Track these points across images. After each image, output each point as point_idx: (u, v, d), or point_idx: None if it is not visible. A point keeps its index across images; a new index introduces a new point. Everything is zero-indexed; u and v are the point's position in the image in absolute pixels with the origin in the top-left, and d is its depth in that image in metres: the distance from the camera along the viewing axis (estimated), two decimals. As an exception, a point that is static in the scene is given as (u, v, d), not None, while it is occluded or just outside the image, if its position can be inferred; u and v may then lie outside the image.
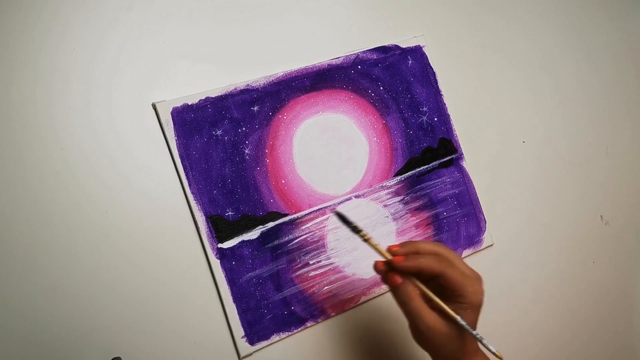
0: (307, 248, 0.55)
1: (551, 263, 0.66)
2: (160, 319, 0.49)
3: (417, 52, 0.61)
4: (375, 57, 0.59)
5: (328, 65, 0.57)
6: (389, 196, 0.58)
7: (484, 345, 0.42)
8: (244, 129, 0.53)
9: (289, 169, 0.55)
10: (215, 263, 0.51)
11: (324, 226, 0.56)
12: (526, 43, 0.68)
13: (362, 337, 0.56)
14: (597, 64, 0.72)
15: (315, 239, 0.55)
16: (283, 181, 0.54)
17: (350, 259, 0.56)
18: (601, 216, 0.70)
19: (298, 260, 0.54)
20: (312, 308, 0.54)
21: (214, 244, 0.51)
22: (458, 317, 0.42)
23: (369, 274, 0.56)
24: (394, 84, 0.60)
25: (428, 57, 0.62)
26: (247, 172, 0.53)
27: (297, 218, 0.55)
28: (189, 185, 0.51)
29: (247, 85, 0.54)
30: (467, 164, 0.62)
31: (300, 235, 0.55)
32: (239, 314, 0.51)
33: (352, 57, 0.58)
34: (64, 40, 0.49)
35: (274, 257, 0.53)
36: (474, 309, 0.43)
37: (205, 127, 0.52)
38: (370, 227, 0.57)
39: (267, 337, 0.52)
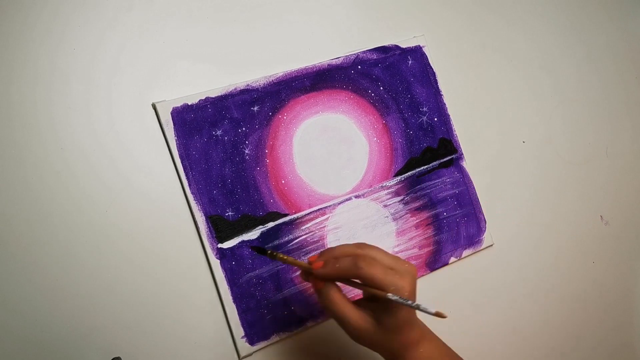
0: (307, 248, 0.55)
1: (551, 263, 0.66)
2: (160, 319, 0.49)
3: (417, 52, 0.61)
4: (375, 57, 0.59)
5: (328, 65, 0.57)
6: (389, 196, 0.58)
7: (422, 310, 0.41)
8: (244, 129, 0.53)
9: (289, 169, 0.55)
10: (215, 263, 0.51)
11: (324, 226, 0.56)
12: (526, 43, 0.68)
13: (362, 337, 0.56)
14: (597, 64, 0.72)
15: (315, 239, 0.55)
16: (283, 181, 0.54)
17: (350, 259, 0.56)
18: (601, 216, 0.70)
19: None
20: (312, 308, 0.54)
21: (214, 244, 0.51)
22: (389, 295, 0.41)
23: (369, 274, 0.56)
24: (394, 84, 0.60)
25: (428, 57, 0.62)
26: (247, 172, 0.53)
27: (297, 218, 0.55)
28: (189, 185, 0.51)
29: (247, 85, 0.54)
30: (467, 164, 0.62)
31: (300, 235, 0.55)
32: (239, 314, 0.51)
33: (352, 57, 0.58)
34: (64, 40, 0.49)
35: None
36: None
37: (205, 127, 0.52)
38: (370, 227, 0.57)
39: (267, 337, 0.52)
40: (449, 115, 0.62)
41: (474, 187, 0.62)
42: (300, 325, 0.53)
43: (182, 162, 0.51)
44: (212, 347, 0.51)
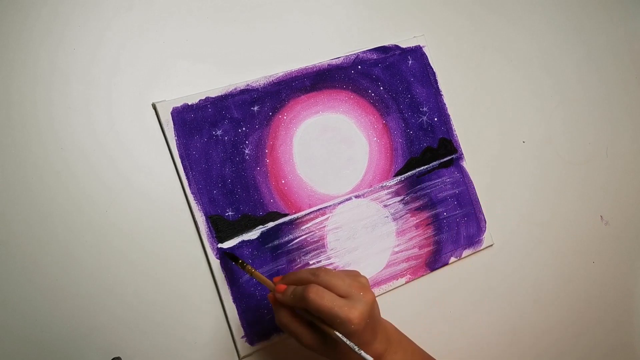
0: (307, 248, 0.55)
1: (551, 263, 0.66)
2: (160, 319, 0.49)
3: (417, 52, 0.61)
4: (375, 57, 0.59)
5: (328, 65, 0.57)
6: (389, 196, 0.58)
7: (360, 354, 0.41)
8: (244, 129, 0.53)
9: (289, 169, 0.55)
10: (215, 263, 0.51)
11: (324, 226, 0.56)
12: (526, 43, 0.68)
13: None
14: (597, 64, 0.72)
15: (315, 239, 0.55)
16: (283, 181, 0.54)
17: (350, 259, 0.56)
18: (601, 216, 0.70)
19: (298, 260, 0.54)
20: (312, 308, 0.54)
21: (214, 244, 0.51)
22: (334, 332, 0.42)
23: (368, 274, 0.57)
24: (394, 84, 0.60)
25: (428, 57, 0.62)
26: (247, 172, 0.53)
27: (297, 218, 0.55)
28: (189, 185, 0.51)
29: (247, 85, 0.54)
30: (467, 164, 0.62)
31: (300, 235, 0.55)
32: (239, 314, 0.51)
33: (352, 57, 0.58)
34: (64, 40, 0.49)
35: (274, 257, 0.53)
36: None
37: (205, 127, 0.52)
38: (370, 227, 0.57)
39: (267, 337, 0.52)
40: (449, 115, 0.62)
41: (474, 187, 0.62)
42: (300, 325, 0.53)
43: (182, 162, 0.51)
44: (212, 347, 0.51)
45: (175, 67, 0.52)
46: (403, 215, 0.59)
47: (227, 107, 0.53)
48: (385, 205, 0.58)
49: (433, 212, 0.60)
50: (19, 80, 0.47)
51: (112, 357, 0.47)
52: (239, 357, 0.51)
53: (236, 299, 0.51)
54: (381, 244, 0.57)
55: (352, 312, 0.41)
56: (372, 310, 0.43)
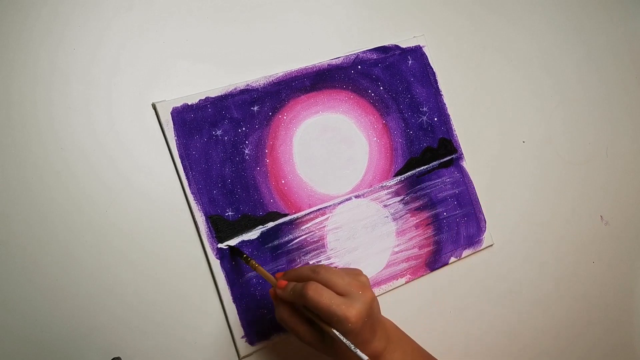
0: (307, 248, 0.55)
1: (551, 263, 0.66)
2: (160, 319, 0.49)
3: (417, 52, 0.61)
4: (375, 57, 0.59)
5: (328, 65, 0.57)
6: (389, 196, 0.58)
7: (355, 353, 0.41)
8: (244, 129, 0.53)
9: (289, 169, 0.55)
10: (215, 263, 0.51)
11: (324, 226, 0.56)
12: (526, 43, 0.68)
13: (362, 337, 0.56)
14: (597, 64, 0.72)
15: (315, 239, 0.55)
16: (283, 181, 0.54)
17: (350, 259, 0.56)
18: (601, 216, 0.70)
19: (298, 260, 0.54)
20: (312, 308, 0.54)
21: (214, 244, 0.51)
22: (332, 330, 0.42)
23: (368, 274, 0.56)
24: (394, 84, 0.60)
25: (428, 57, 0.62)
26: (247, 172, 0.53)
27: (297, 218, 0.55)
28: (189, 185, 0.51)
29: (247, 85, 0.54)
30: (467, 164, 0.62)
31: (300, 235, 0.55)
32: (239, 314, 0.51)
33: (352, 57, 0.58)
34: (64, 40, 0.49)
35: (274, 257, 0.53)
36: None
37: (205, 127, 0.52)
38: (370, 227, 0.57)
39: (267, 337, 0.52)
40: (449, 115, 0.62)
41: (474, 187, 0.62)
42: (300, 325, 0.53)
43: (182, 162, 0.51)
44: (212, 347, 0.51)
45: (175, 67, 0.52)
46: (403, 215, 0.59)
47: (227, 107, 0.53)
48: (385, 205, 0.58)
49: (433, 212, 0.60)
50: (19, 80, 0.47)
51: (112, 357, 0.47)
52: (239, 357, 0.51)
53: (236, 299, 0.51)
54: (381, 244, 0.57)
55: (350, 310, 0.41)
56: (371, 309, 0.43)
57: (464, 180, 0.62)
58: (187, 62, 0.53)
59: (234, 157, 0.53)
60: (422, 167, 0.60)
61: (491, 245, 0.63)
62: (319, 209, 0.56)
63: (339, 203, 0.56)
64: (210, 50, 0.54)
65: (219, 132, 0.52)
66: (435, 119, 0.61)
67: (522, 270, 0.65)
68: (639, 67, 0.74)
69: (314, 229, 0.55)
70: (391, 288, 0.58)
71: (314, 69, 0.57)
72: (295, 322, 0.44)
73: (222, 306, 0.51)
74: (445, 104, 0.62)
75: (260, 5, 0.56)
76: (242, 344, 0.51)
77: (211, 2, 0.54)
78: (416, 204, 0.59)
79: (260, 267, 0.48)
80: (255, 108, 0.54)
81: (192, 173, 0.51)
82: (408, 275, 0.58)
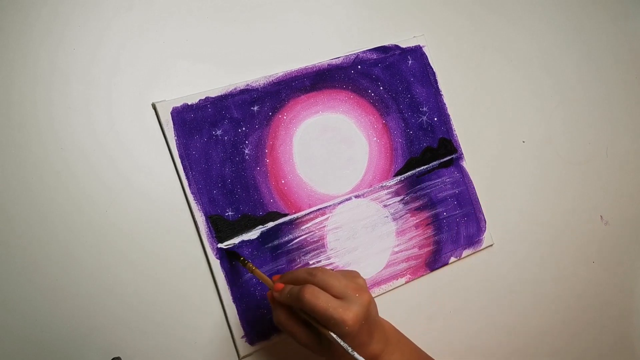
0: (307, 248, 0.55)
1: (551, 263, 0.66)
2: (160, 319, 0.49)
3: (417, 52, 0.61)
4: (375, 57, 0.59)
5: (328, 65, 0.57)
6: (388, 196, 0.58)
7: (353, 356, 0.41)
8: (243, 129, 0.53)
9: (289, 169, 0.55)
10: (215, 263, 0.51)
11: (324, 226, 0.56)
12: (526, 43, 0.68)
13: (362, 337, 0.56)
14: (597, 64, 0.72)
15: (315, 239, 0.55)
16: (283, 181, 0.54)
17: (350, 259, 0.56)
18: (601, 216, 0.70)
19: (298, 260, 0.54)
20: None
21: (214, 244, 0.51)
22: (329, 333, 0.42)
23: (368, 274, 0.57)
24: (394, 84, 0.60)
25: (428, 57, 0.62)
26: (247, 172, 0.53)
27: (297, 218, 0.55)
28: (189, 185, 0.51)
29: (247, 85, 0.54)
30: (467, 164, 0.62)
31: (300, 235, 0.55)
32: (239, 314, 0.51)
33: (352, 57, 0.58)
34: (64, 40, 0.49)
35: (273, 257, 0.53)
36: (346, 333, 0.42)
37: (205, 127, 0.52)
38: (370, 227, 0.57)
39: (267, 337, 0.52)
40: (449, 115, 0.62)
41: (474, 187, 0.62)
42: (300, 325, 0.53)
43: (182, 162, 0.51)
44: (212, 347, 0.51)
45: (175, 67, 0.52)
46: (403, 215, 0.59)
47: (227, 107, 0.53)
48: (385, 205, 0.58)
49: (433, 212, 0.60)
50: (19, 80, 0.47)
51: (112, 357, 0.47)
52: (239, 357, 0.51)
53: (236, 299, 0.51)
54: (381, 244, 0.57)
55: (347, 313, 0.41)
56: (368, 312, 0.43)
57: (464, 180, 0.62)
58: (187, 62, 0.53)
59: (234, 157, 0.53)
60: (422, 167, 0.60)
61: (491, 245, 0.63)
62: (319, 209, 0.56)
63: (339, 203, 0.56)
64: (210, 50, 0.54)
65: (219, 132, 0.52)
66: (435, 118, 0.61)
67: (522, 270, 0.65)
68: (639, 67, 0.74)
69: (314, 229, 0.55)
70: (391, 288, 0.58)
71: (314, 69, 0.57)
72: (293, 325, 0.44)
73: (222, 306, 0.51)
74: (445, 104, 0.62)
75: (260, 5, 0.56)
76: (242, 344, 0.51)
77: (211, 2, 0.54)
78: (416, 204, 0.59)
79: (257, 270, 0.48)
80: (255, 108, 0.54)
81: (192, 173, 0.51)
82: (408, 275, 0.58)
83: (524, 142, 0.66)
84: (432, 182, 0.61)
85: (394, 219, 0.58)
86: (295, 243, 0.54)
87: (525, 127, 0.67)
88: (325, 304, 0.41)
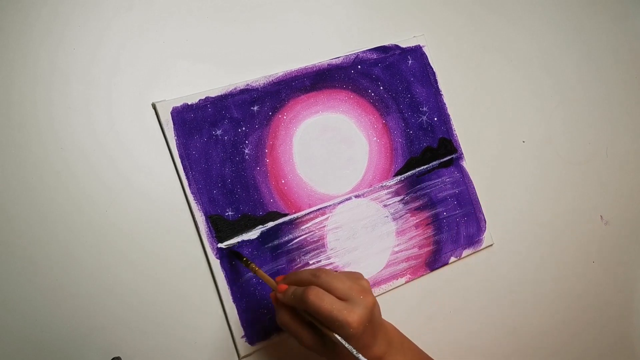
0: (307, 248, 0.55)
1: (551, 263, 0.66)
2: (160, 319, 0.49)
3: (417, 52, 0.61)
4: (375, 57, 0.59)
5: (328, 65, 0.57)
6: (388, 196, 0.58)
7: (357, 358, 0.41)
8: (243, 128, 0.53)
9: (289, 169, 0.55)
10: (215, 263, 0.51)
11: (324, 226, 0.56)
12: (526, 43, 0.68)
13: (362, 337, 0.56)
14: (597, 64, 0.72)
15: (315, 239, 0.55)
16: (283, 181, 0.54)
17: (350, 259, 0.56)
18: (601, 216, 0.70)
19: (298, 260, 0.54)
20: (312, 308, 0.54)
21: (214, 243, 0.51)
22: (334, 335, 0.42)
23: (368, 274, 0.57)
24: (394, 84, 0.60)
25: (428, 57, 0.62)
26: (247, 172, 0.53)
27: (297, 218, 0.55)
28: (189, 185, 0.51)
29: (247, 85, 0.54)
30: (467, 164, 0.62)
31: (300, 235, 0.55)
32: (239, 314, 0.51)
33: (352, 57, 0.58)
34: (64, 40, 0.49)
35: (273, 257, 0.53)
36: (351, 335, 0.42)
37: (205, 127, 0.52)
38: (370, 227, 0.57)
39: (267, 337, 0.52)
40: (449, 115, 0.62)
41: (474, 187, 0.62)
42: (300, 325, 0.53)
43: (182, 162, 0.51)
44: (212, 347, 0.51)
45: (175, 67, 0.52)
46: (403, 215, 0.59)
47: (227, 107, 0.53)
48: (385, 205, 0.58)
49: (433, 211, 0.60)
50: (19, 80, 0.47)
51: (112, 357, 0.47)
52: (239, 357, 0.51)
53: (236, 299, 0.51)
54: (381, 243, 0.57)
55: (351, 315, 0.41)
56: (372, 314, 0.43)
57: (464, 180, 0.62)
58: (187, 62, 0.53)
59: (234, 157, 0.53)
60: (422, 167, 0.60)
61: (491, 245, 0.63)
62: (319, 209, 0.56)
63: (339, 203, 0.56)
64: (210, 50, 0.54)
65: (219, 132, 0.52)
66: (435, 118, 0.61)
67: (522, 270, 0.65)
68: (639, 67, 0.74)
69: (314, 229, 0.55)
70: (391, 288, 0.58)
71: (314, 69, 0.57)
72: (296, 327, 0.44)
73: (222, 306, 0.51)
74: (445, 104, 0.62)
75: (260, 5, 0.56)
76: (242, 344, 0.51)
77: (211, 2, 0.54)
78: (416, 204, 0.59)
79: (260, 271, 0.48)
80: (255, 108, 0.54)
81: (192, 173, 0.51)
82: (408, 275, 0.58)
83: (524, 142, 0.66)
84: (432, 182, 0.61)
85: (394, 219, 0.58)
86: (295, 243, 0.54)
87: (525, 127, 0.67)
88: (330, 305, 0.41)
